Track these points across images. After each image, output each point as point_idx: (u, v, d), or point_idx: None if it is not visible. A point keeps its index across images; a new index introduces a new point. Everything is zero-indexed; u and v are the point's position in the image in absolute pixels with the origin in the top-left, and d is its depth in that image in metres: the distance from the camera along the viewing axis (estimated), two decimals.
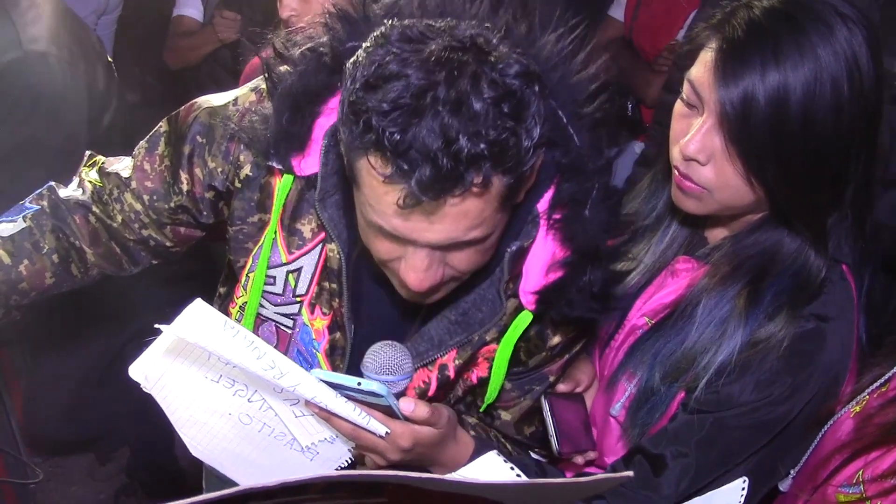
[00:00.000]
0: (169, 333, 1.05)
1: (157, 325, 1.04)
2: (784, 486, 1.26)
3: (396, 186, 0.94)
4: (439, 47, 0.94)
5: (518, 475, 0.78)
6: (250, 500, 0.67)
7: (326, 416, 1.10)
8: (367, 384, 1.04)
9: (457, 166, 0.91)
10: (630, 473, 0.72)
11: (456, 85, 0.91)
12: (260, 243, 1.26)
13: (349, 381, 1.05)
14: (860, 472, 1.09)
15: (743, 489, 1.10)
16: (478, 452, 1.21)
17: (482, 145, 0.91)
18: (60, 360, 2.38)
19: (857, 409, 1.16)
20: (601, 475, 0.72)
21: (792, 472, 1.25)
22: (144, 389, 1.17)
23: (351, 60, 1.00)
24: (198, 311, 0.99)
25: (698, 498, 1.11)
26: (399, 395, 1.13)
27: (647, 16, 2.84)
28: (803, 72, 1.09)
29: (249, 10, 2.94)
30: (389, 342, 1.13)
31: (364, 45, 1.00)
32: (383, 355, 1.11)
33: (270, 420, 1.19)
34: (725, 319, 1.22)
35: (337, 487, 0.69)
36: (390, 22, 1.01)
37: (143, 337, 1.14)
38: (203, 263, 2.28)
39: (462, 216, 0.98)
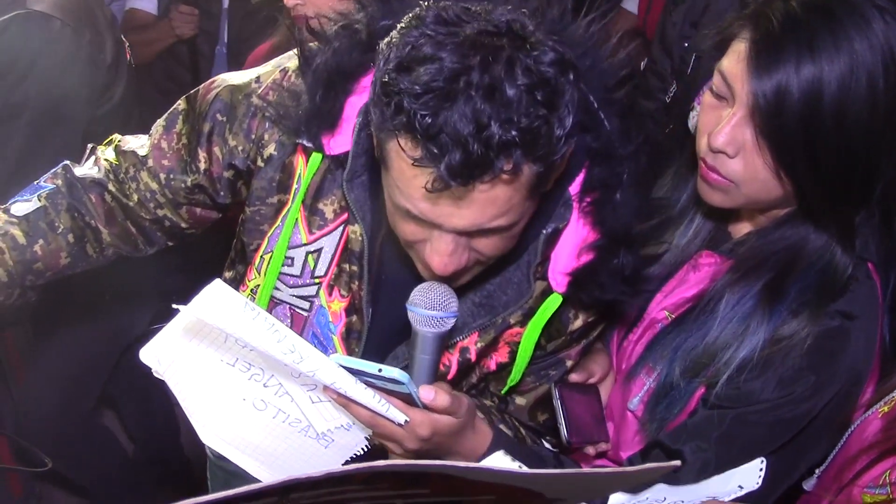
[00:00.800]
0: (187, 314, 1.03)
1: (174, 306, 1.02)
2: (808, 485, 1.25)
3: (425, 170, 0.94)
4: (474, 31, 0.94)
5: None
6: (292, 490, 0.65)
7: (345, 402, 1.09)
8: (389, 371, 1.02)
9: (487, 152, 0.91)
10: (678, 463, 0.71)
11: (490, 70, 0.91)
12: (276, 224, 1.25)
13: (370, 367, 1.03)
14: (887, 474, 1.08)
15: (761, 469, 1.10)
16: (495, 442, 1.20)
17: (514, 132, 0.91)
18: (60, 351, 2.35)
19: (886, 409, 1.15)
20: (650, 465, 0.71)
21: (817, 471, 1.23)
22: (156, 374, 1.15)
23: (385, 41, 0.99)
24: (218, 292, 0.97)
25: (717, 476, 1.10)
26: (442, 342, 1.12)
27: (661, 8, 2.83)
28: (839, 65, 1.07)
29: (206, 3, 2.88)
30: (437, 282, 1.12)
31: (399, 25, 0.99)
32: (433, 292, 1.10)
33: (286, 406, 1.18)
34: (748, 315, 1.21)
35: (379, 478, 0.68)
36: (426, 3, 1.00)
37: (152, 324, 1.12)
38: (208, 255, 2.27)
39: (490, 203, 0.97)
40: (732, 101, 1.14)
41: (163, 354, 1.13)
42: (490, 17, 0.96)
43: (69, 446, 2.35)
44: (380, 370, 1.02)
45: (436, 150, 0.91)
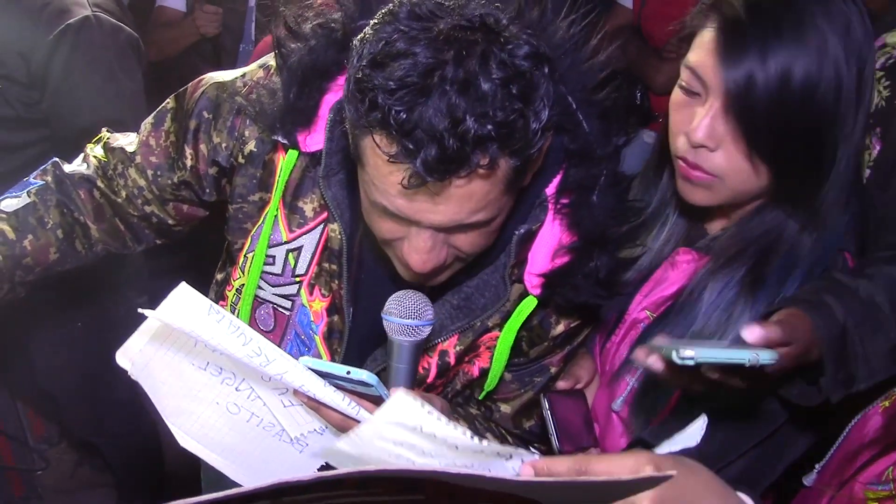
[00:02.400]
0: (153, 319, 1.02)
1: (140, 310, 1.01)
2: (808, 480, 1.24)
3: (401, 166, 0.93)
4: (448, 26, 0.93)
5: (439, 418, 0.77)
6: (284, 494, 0.65)
7: (315, 405, 1.09)
8: (357, 373, 1.02)
9: (463, 147, 0.90)
10: (674, 473, 0.72)
11: (464, 64, 0.90)
12: (259, 223, 1.25)
13: (338, 369, 1.03)
14: (890, 470, 1.07)
15: (702, 427, 1.10)
16: None
17: (489, 126, 0.90)
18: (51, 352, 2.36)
19: (887, 403, 1.14)
20: (645, 475, 0.71)
21: (817, 466, 1.23)
22: (131, 376, 1.15)
23: (358, 37, 0.98)
24: (182, 296, 0.97)
25: (665, 444, 1.10)
26: (418, 350, 1.11)
27: (656, 3, 2.82)
28: (805, 48, 1.08)
29: (231, 1, 2.91)
30: (411, 290, 1.11)
31: (372, 21, 0.98)
32: (407, 300, 1.09)
33: (259, 410, 1.17)
34: (732, 303, 1.21)
35: (373, 483, 0.68)
36: (398, 1, 1.00)
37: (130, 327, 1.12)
38: (195, 256, 2.26)
39: (467, 198, 0.97)
40: (706, 94, 1.14)
41: (136, 357, 1.12)
42: (463, 12, 0.95)
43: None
44: (348, 372, 1.02)
45: (411, 146, 0.91)
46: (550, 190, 1.14)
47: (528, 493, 0.75)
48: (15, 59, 1.94)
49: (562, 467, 0.77)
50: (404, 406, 0.77)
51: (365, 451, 0.86)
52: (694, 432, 1.12)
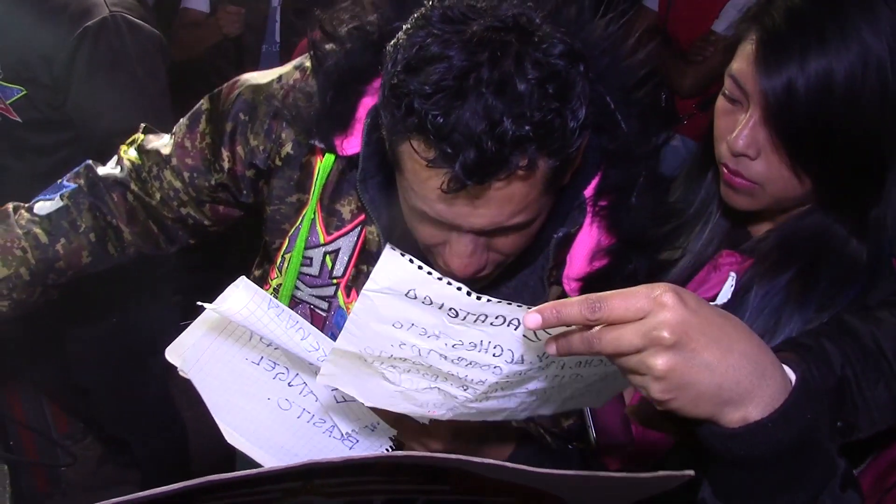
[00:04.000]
0: (212, 312, 1.02)
1: (199, 303, 1.02)
2: None
3: (440, 171, 0.93)
4: (481, 27, 0.92)
5: (429, 272, 0.76)
6: (315, 476, 0.65)
7: None
8: None
9: (501, 149, 0.89)
10: (691, 472, 0.71)
11: (499, 65, 0.89)
12: (297, 224, 1.25)
13: None
14: None
15: (732, 285, 1.13)
16: (520, 445, 1.19)
17: (527, 127, 0.89)
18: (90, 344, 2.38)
19: None
20: (663, 472, 0.70)
21: (854, 472, 1.22)
22: (181, 373, 1.15)
23: (391, 42, 0.98)
24: (243, 289, 0.97)
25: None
26: None
27: (682, 6, 2.82)
28: (848, 56, 1.06)
29: (254, 1, 2.94)
30: None
31: (404, 26, 0.98)
32: None
33: (310, 406, 1.17)
34: (779, 307, 1.19)
35: (400, 471, 0.68)
36: (431, 3, 0.99)
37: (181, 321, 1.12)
38: (230, 252, 2.27)
39: (507, 200, 0.96)
40: (747, 103, 1.13)
41: (188, 353, 1.12)
42: (496, 13, 0.94)
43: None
44: None
45: (449, 150, 0.90)
46: (589, 192, 1.13)
47: (548, 486, 0.74)
48: (38, 63, 1.96)
49: (572, 308, 0.72)
50: (393, 264, 0.76)
51: (366, 346, 0.85)
52: (725, 291, 1.12)
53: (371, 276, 0.77)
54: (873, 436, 1.15)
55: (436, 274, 0.76)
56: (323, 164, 1.19)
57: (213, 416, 1.19)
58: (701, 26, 2.73)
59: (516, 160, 0.91)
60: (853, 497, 0.75)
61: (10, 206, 1.37)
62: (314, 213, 1.22)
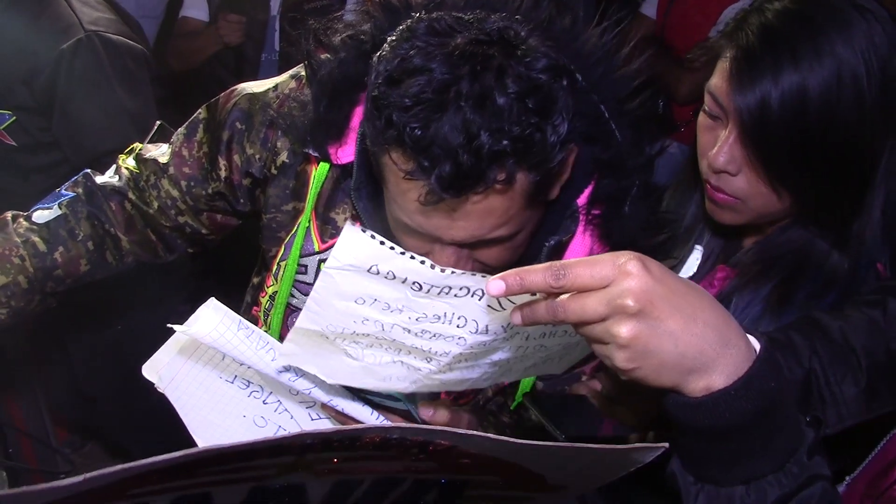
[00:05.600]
0: (182, 334, 1.03)
1: (169, 325, 1.02)
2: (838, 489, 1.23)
3: (418, 183, 0.94)
4: (465, 41, 0.93)
5: (392, 247, 0.77)
6: (307, 451, 0.66)
7: (343, 419, 1.09)
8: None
9: (478, 163, 0.90)
10: (666, 445, 0.71)
11: (480, 79, 0.90)
12: (293, 231, 1.25)
13: None
14: None
15: (698, 258, 1.15)
16: None
17: (505, 142, 0.90)
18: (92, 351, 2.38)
19: None
20: (639, 444, 0.71)
21: (847, 478, 1.22)
22: (158, 389, 1.16)
23: (377, 54, 0.99)
24: (212, 311, 0.98)
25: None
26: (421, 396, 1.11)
27: (680, 13, 2.82)
28: (822, 72, 1.06)
29: (253, 10, 2.90)
30: None
31: (389, 38, 0.99)
32: None
33: (286, 423, 1.18)
34: (758, 318, 1.20)
35: (388, 447, 0.69)
36: (418, 14, 1.00)
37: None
38: (235, 259, 2.26)
39: (487, 213, 0.97)
40: (726, 119, 1.14)
41: (163, 371, 1.13)
42: (482, 26, 0.95)
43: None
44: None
45: (426, 163, 0.91)
46: (582, 200, 1.13)
47: (531, 462, 0.75)
48: (21, 88, 1.96)
49: (536, 275, 0.71)
50: (355, 241, 0.76)
51: (328, 323, 0.85)
52: (691, 264, 1.13)
53: (332, 253, 0.77)
54: (866, 440, 1.16)
55: (398, 249, 0.77)
56: (318, 173, 1.20)
57: (191, 432, 1.19)
58: (698, 33, 2.74)
59: (494, 174, 0.92)
60: (820, 463, 0.75)
61: (8, 214, 1.38)
62: (309, 222, 1.23)
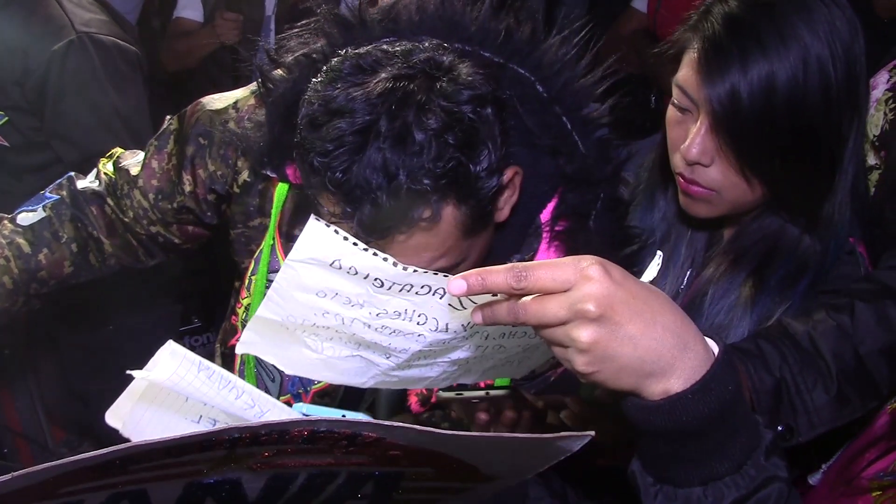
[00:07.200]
0: (142, 379, 1.01)
1: (128, 372, 0.99)
2: (814, 479, 1.23)
3: (347, 224, 0.93)
4: (389, 76, 0.93)
5: (355, 243, 0.77)
6: (237, 444, 0.67)
7: None
8: (353, 416, 1.02)
9: (398, 204, 0.90)
10: (592, 433, 0.72)
11: (400, 117, 0.90)
12: (262, 247, 1.26)
13: (333, 413, 1.03)
14: (895, 464, 1.07)
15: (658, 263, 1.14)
16: None
17: (426, 180, 0.90)
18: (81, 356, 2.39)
19: (895, 405, 1.13)
20: (565, 433, 0.72)
21: (823, 466, 1.23)
22: (123, 434, 1.13)
23: (304, 97, 0.98)
24: (170, 355, 0.96)
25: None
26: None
27: (671, 6, 2.81)
28: (789, 58, 1.07)
29: (249, 10, 2.88)
30: None
31: (314, 80, 0.98)
32: None
33: None
34: (732, 307, 1.21)
35: (318, 441, 0.70)
36: (346, 51, 1.00)
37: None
38: (226, 261, 2.26)
39: (420, 249, 0.96)
40: (697, 111, 1.14)
41: (126, 417, 1.10)
42: (409, 59, 0.94)
43: None
44: (343, 416, 1.02)
45: (349, 208, 0.91)
46: (545, 216, 1.12)
47: (462, 453, 0.76)
48: (13, 89, 1.97)
49: (498, 276, 0.71)
50: (318, 235, 0.77)
51: (289, 314, 0.85)
52: (651, 269, 1.13)
53: (295, 245, 0.78)
54: (840, 436, 1.17)
55: (361, 245, 0.77)
56: (279, 192, 1.20)
57: None
58: None
59: (417, 213, 0.92)
60: (777, 464, 0.76)
61: None
62: (273, 240, 1.23)
